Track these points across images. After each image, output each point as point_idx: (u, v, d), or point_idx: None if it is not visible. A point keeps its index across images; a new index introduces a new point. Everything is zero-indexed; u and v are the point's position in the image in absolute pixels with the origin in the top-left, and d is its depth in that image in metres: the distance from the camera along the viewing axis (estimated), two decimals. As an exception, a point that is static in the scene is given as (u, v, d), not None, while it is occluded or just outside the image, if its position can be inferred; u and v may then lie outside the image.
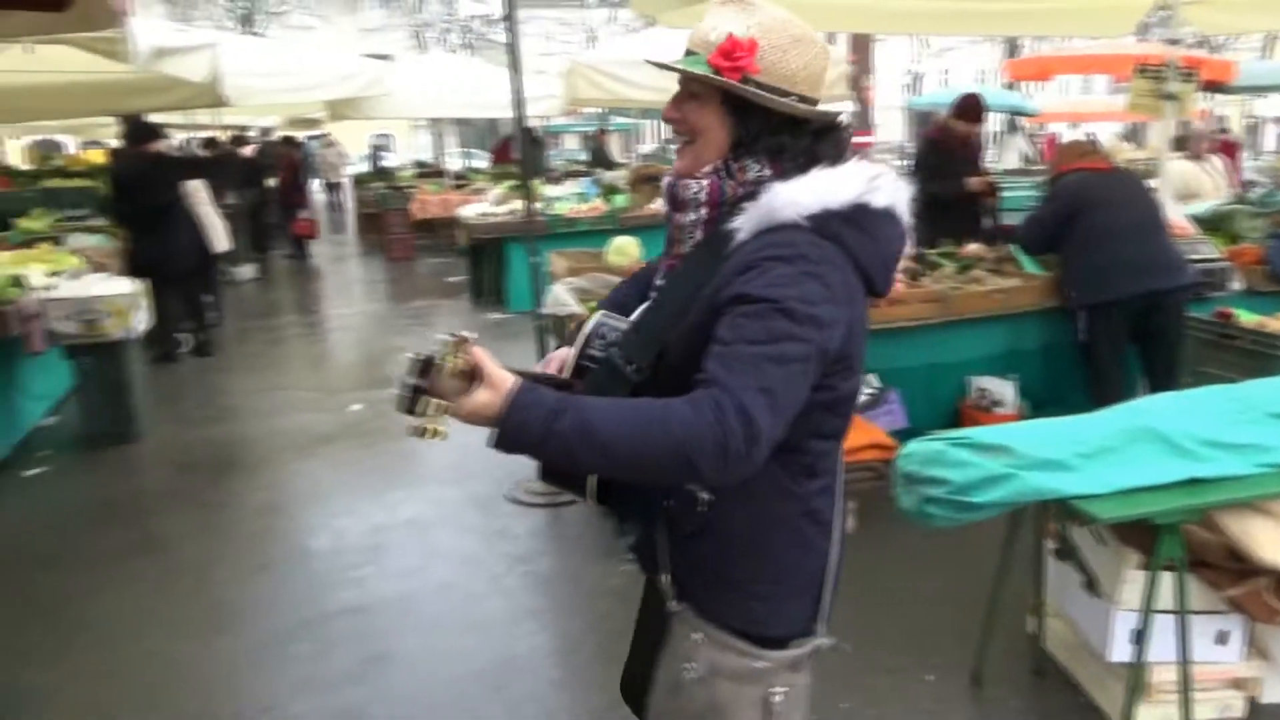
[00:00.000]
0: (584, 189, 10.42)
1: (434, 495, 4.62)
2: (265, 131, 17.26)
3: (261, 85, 8.71)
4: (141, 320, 5.58)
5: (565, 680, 3.10)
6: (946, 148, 5.80)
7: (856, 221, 1.40)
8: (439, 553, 4.01)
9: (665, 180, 1.56)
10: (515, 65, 4.35)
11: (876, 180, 1.42)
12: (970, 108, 5.74)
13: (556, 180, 12.49)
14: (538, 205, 9.32)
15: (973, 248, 5.28)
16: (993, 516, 2.44)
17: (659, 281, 1.56)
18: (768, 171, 1.44)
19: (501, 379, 1.28)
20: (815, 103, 1.45)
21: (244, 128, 15.88)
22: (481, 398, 1.27)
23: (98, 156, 14.30)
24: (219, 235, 8.00)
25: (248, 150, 10.54)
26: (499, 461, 5.00)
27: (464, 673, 3.13)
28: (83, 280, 5.65)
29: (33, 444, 5.52)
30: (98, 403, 5.51)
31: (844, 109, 5.62)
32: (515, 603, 3.62)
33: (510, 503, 4.52)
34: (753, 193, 1.43)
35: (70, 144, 22.60)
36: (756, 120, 1.43)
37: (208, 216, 7.83)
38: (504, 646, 3.30)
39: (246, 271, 11.58)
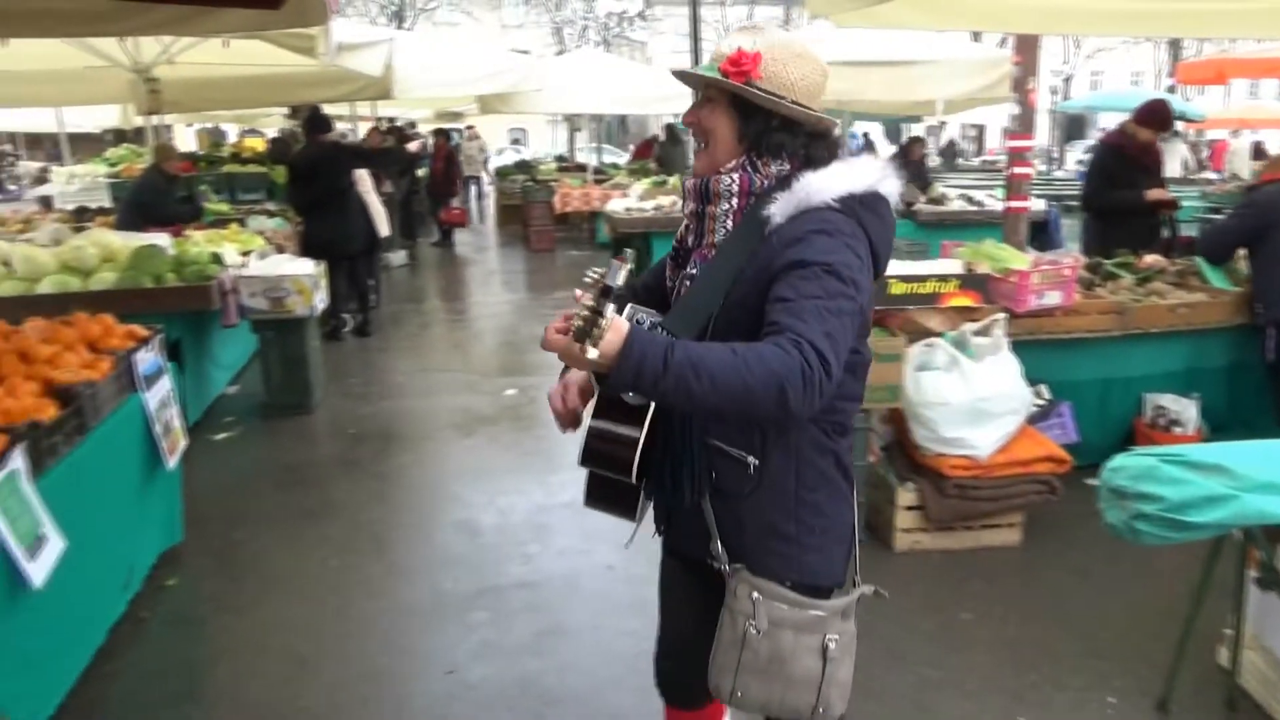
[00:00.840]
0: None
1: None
2: (411, 124, 17.95)
3: (423, 79, 9.12)
4: (321, 300, 5.93)
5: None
6: (1126, 155, 5.55)
7: (871, 205, 1.65)
8: (599, 535, 4.12)
9: (688, 181, 1.78)
10: (696, 58, 4.39)
11: (885, 171, 1.68)
12: (1157, 114, 5.47)
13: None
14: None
15: (1152, 259, 5.05)
16: (1205, 538, 2.36)
17: (692, 270, 1.75)
18: (787, 166, 1.67)
19: (621, 321, 1.44)
20: (812, 111, 1.66)
21: (392, 119, 16.58)
22: (611, 336, 1.40)
23: (258, 144, 15.18)
24: (383, 221, 8.42)
25: (414, 145, 11.00)
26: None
27: (634, 652, 3.21)
28: (270, 260, 6.05)
29: (219, 410, 5.95)
30: (278, 375, 5.89)
31: (1008, 109, 5.48)
32: (677, 590, 3.69)
33: (665, 493, 4.61)
34: (782, 183, 1.65)
35: (231, 132, 24.03)
36: (758, 121, 1.65)
37: (374, 204, 8.25)
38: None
39: (398, 257, 12.10)
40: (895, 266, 4.03)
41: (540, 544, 4.05)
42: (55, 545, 2.67)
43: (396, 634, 3.35)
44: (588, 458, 1.72)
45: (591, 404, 1.74)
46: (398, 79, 8.28)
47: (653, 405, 1.64)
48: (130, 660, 3.22)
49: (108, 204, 9.92)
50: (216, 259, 5.53)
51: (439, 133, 15.46)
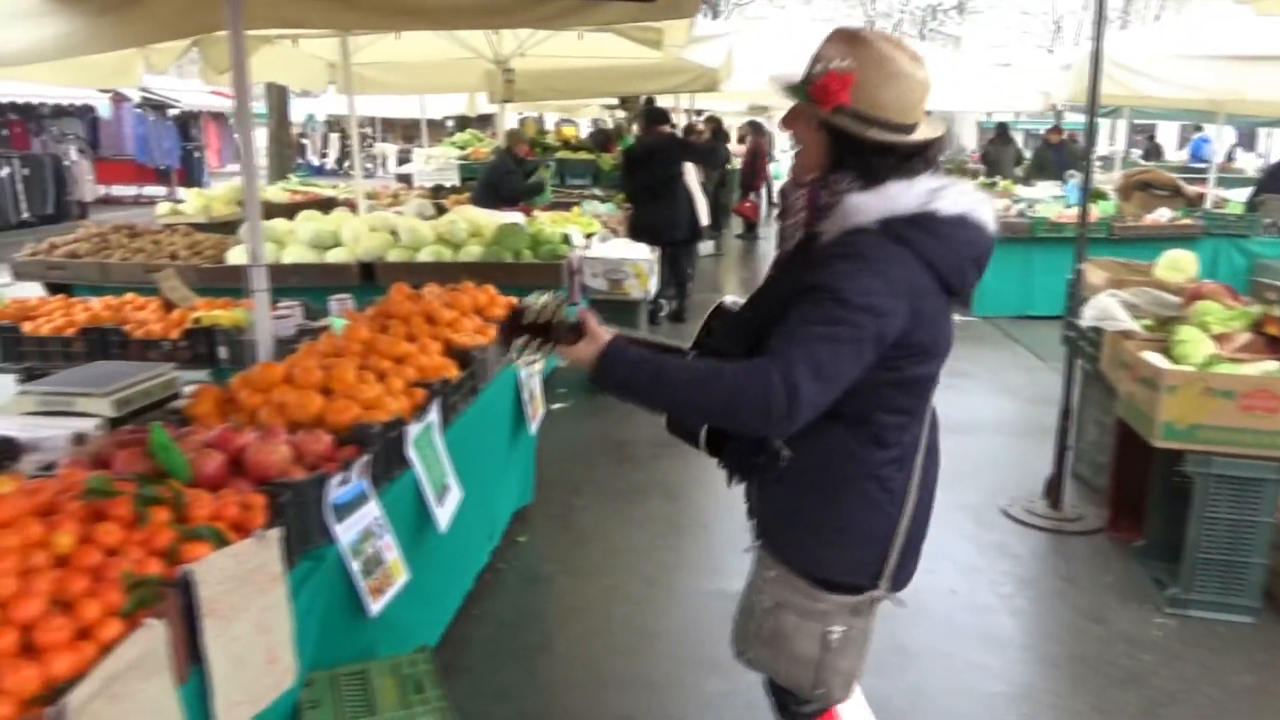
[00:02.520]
0: (1065, 191, 9.61)
1: (922, 495, 4.51)
2: (698, 113, 18.15)
3: (746, 72, 9.18)
4: (654, 285, 6.12)
5: (1105, 728, 2.84)
6: None
7: (923, 226, 1.62)
8: (940, 554, 3.88)
9: (782, 185, 1.89)
10: (1097, 63, 4.01)
11: (940, 191, 1.63)
12: None
13: (1023, 180, 11.70)
14: (1019, 206, 8.78)
15: None
16: None
17: (772, 273, 1.85)
18: (856, 184, 1.65)
19: (601, 334, 1.66)
20: (907, 128, 1.64)
21: (699, 111, 16.91)
22: (584, 347, 1.64)
23: (572, 132, 16.04)
24: (704, 211, 8.58)
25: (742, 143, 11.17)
26: (988, 470, 4.89)
27: (990, 691, 2.99)
28: (610, 243, 6.33)
29: (553, 381, 6.32)
30: (608, 353, 6.13)
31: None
32: (1029, 627, 3.41)
33: (1006, 518, 4.28)
34: (838, 201, 1.66)
35: (548, 120, 25.71)
36: (847, 141, 1.64)
37: (698, 194, 8.42)
38: (1022, 674, 3.12)
39: (706, 247, 12.32)
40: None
41: (874, 554, 3.89)
42: (455, 494, 2.91)
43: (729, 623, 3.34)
44: (672, 427, 1.91)
45: None
46: (734, 71, 8.39)
47: None
48: (490, 607, 3.47)
49: (458, 182, 10.92)
50: (566, 239, 5.86)
51: (753, 125, 15.56)
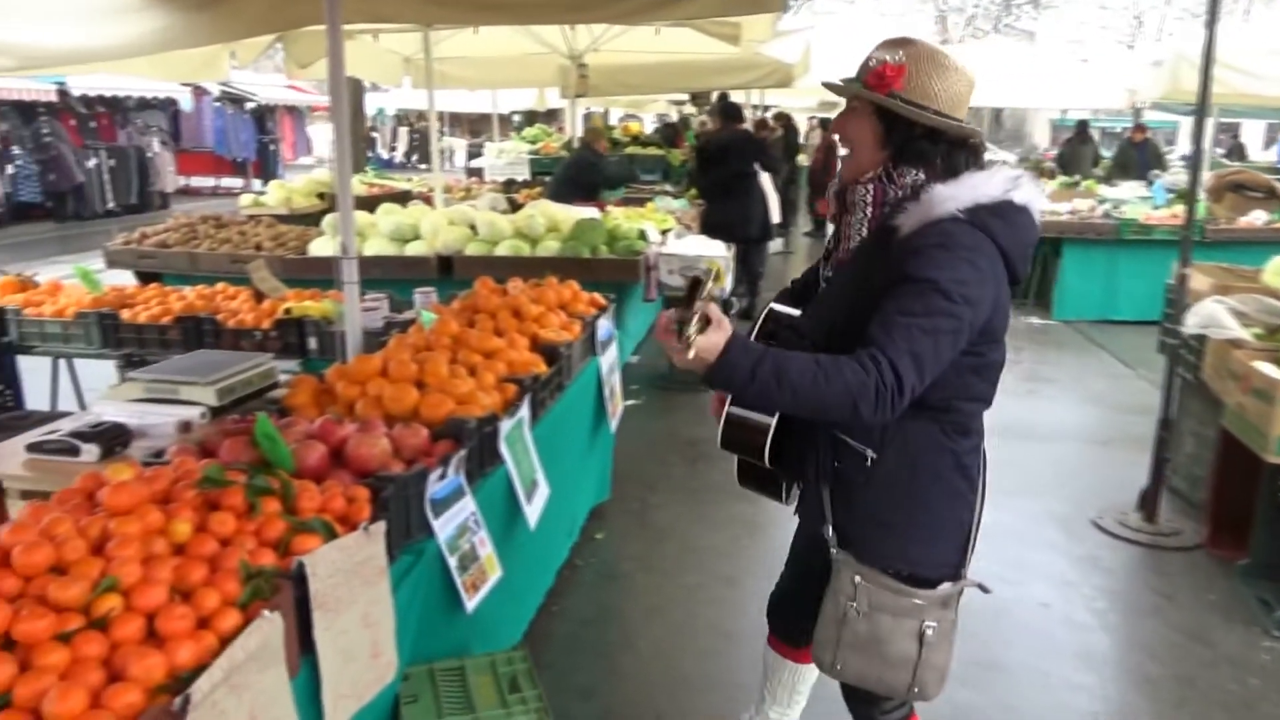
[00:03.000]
0: (1151, 191, 9.29)
1: (1010, 504, 4.37)
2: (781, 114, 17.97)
3: (834, 68, 9.03)
4: (730, 282, 6.06)
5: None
6: None
7: (1002, 214, 1.68)
8: (1029, 567, 3.78)
9: (832, 187, 1.87)
10: (1209, 56, 3.84)
11: (1018, 180, 1.71)
12: None
13: (1104, 180, 11.34)
14: (1104, 206, 8.51)
15: None
16: None
17: (828, 273, 1.89)
18: (922, 176, 1.72)
19: (727, 326, 1.61)
20: (957, 120, 1.72)
21: (767, 107, 16.73)
22: (714, 338, 1.58)
23: (636, 128, 15.98)
24: (776, 209, 8.47)
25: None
26: (1074, 479, 4.73)
27: (1082, 710, 2.89)
28: (686, 239, 6.29)
29: (625, 378, 6.29)
30: (681, 350, 6.09)
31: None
32: (1126, 645, 3.27)
33: (1097, 530, 4.14)
34: (912, 195, 1.71)
35: (613, 115, 25.70)
36: (901, 130, 1.72)
37: (771, 192, 8.31)
38: (1120, 693, 2.99)
39: (774, 244, 12.19)
40: None
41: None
42: (543, 491, 2.90)
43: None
44: (726, 442, 1.92)
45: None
46: (810, 67, 8.27)
47: None
48: (570, 604, 3.46)
49: (528, 177, 10.97)
50: (642, 235, 5.83)
51: (823, 123, 15.36)
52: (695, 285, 1.56)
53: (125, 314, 4.01)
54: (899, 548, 1.81)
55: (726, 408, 1.90)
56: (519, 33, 8.24)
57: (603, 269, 5.43)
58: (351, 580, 1.80)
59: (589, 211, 6.25)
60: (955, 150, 1.72)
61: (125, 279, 5.69)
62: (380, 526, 1.92)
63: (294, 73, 7.23)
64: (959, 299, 1.60)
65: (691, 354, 1.53)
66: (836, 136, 1.85)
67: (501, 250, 5.59)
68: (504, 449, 2.62)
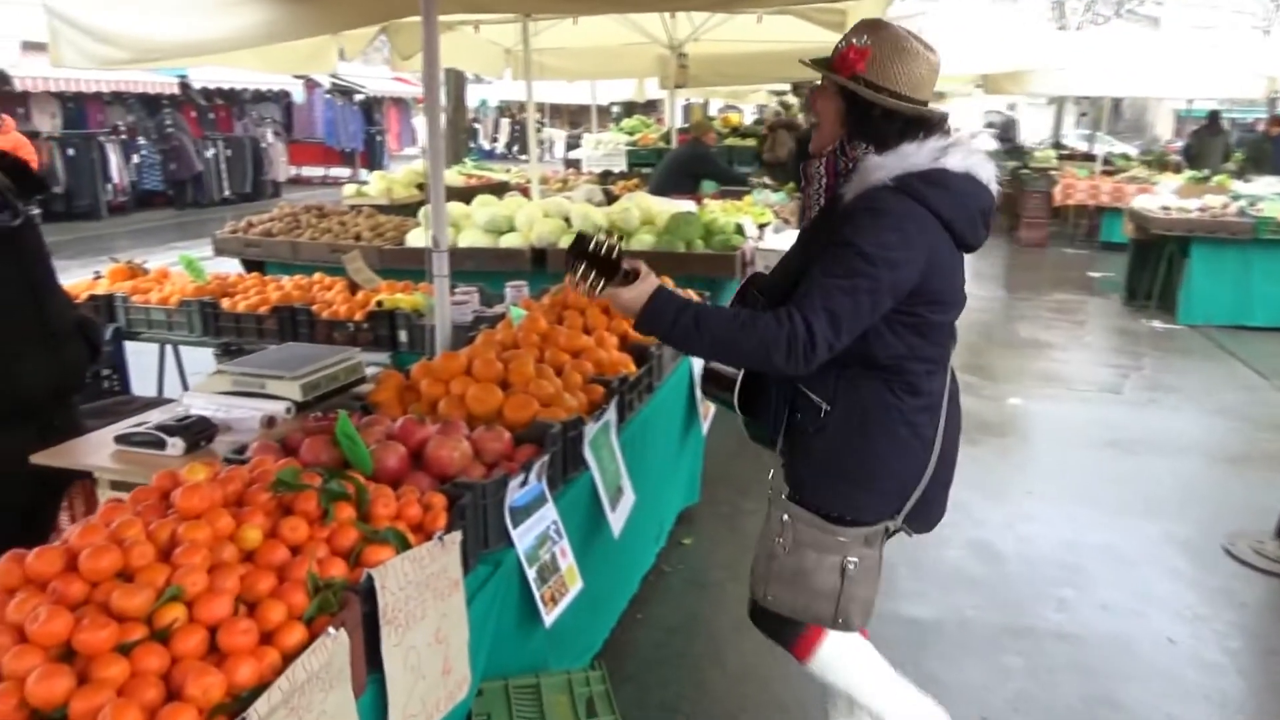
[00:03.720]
0: (1295, 188, 8.59)
1: (1126, 524, 4.06)
2: None
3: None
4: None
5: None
6: None
7: (937, 181, 1.80)
8: (1150, 596, 3.48)
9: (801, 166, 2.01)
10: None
11: (948, 149, 1.83)
12: None
13: (1236, 174, 10.60)
14: (1238, 204, 7.92)
15: None
16: None
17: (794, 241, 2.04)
18: (871, 149, 1.83)
19: (652, 280, 1.85)
20: (915, 102, 1.84)
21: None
22: (641, 287, 1.83)
23: (735, 119, 15.71)
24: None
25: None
26: (1200, 500, 4.37)
27: (1219, 761, 2.62)
28: (784, 234, 6.09)
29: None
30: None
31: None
32: (1264, 691, 2.97)
33: (1230, 558, 3.79)
34: (855, 167, 1.85)
35: (712, 106, 25.40)
36: (860, 108, 1.85)
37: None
38: (1260, 744, 2.71)
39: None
40: None
41: (1075, 589, 3.52)
42: (628, 498, 2.78)
43: (920, 653, 3.07)
44: (705, 392, 2.24)
45: None
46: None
47: None
48: (656, 613, 3.34)
49: (624, 168, 10.88)
50: (739, 230, 5.66)
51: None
52: (580, 239, 1.81)
53: (225, 303, 4.07)
54: (843, 493, 1.95)
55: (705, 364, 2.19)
56: (618, 23, 8.12)
57: (697, 264, 5.28)
58: (423, 593, 1.71)
59: (685, 205, 6.10)
60: (910, 128, 1.84)
61: (233, 267, 5.83)
62: (455, 537, 1.83)
63: (398, 64, 7.29)
64: (880, 262, 1.74)
65: (596, 295, 1.81)
66: (815, 109, 2.00)
67: (595, 243, 5.50)
68: (588, 454, 2.52)
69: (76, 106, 15.40)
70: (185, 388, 4.83)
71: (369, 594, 1.57)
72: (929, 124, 1.86)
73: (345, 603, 1.53)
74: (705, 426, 3.89)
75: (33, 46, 14.30)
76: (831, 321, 1.73)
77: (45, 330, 2.46)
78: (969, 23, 11.27)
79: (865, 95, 1.83)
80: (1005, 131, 22.30)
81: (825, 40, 7.28)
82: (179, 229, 14.19)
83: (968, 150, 1.85)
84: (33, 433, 2.45)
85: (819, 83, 1.94)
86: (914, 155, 1.81)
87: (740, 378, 2.06)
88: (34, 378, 2.43)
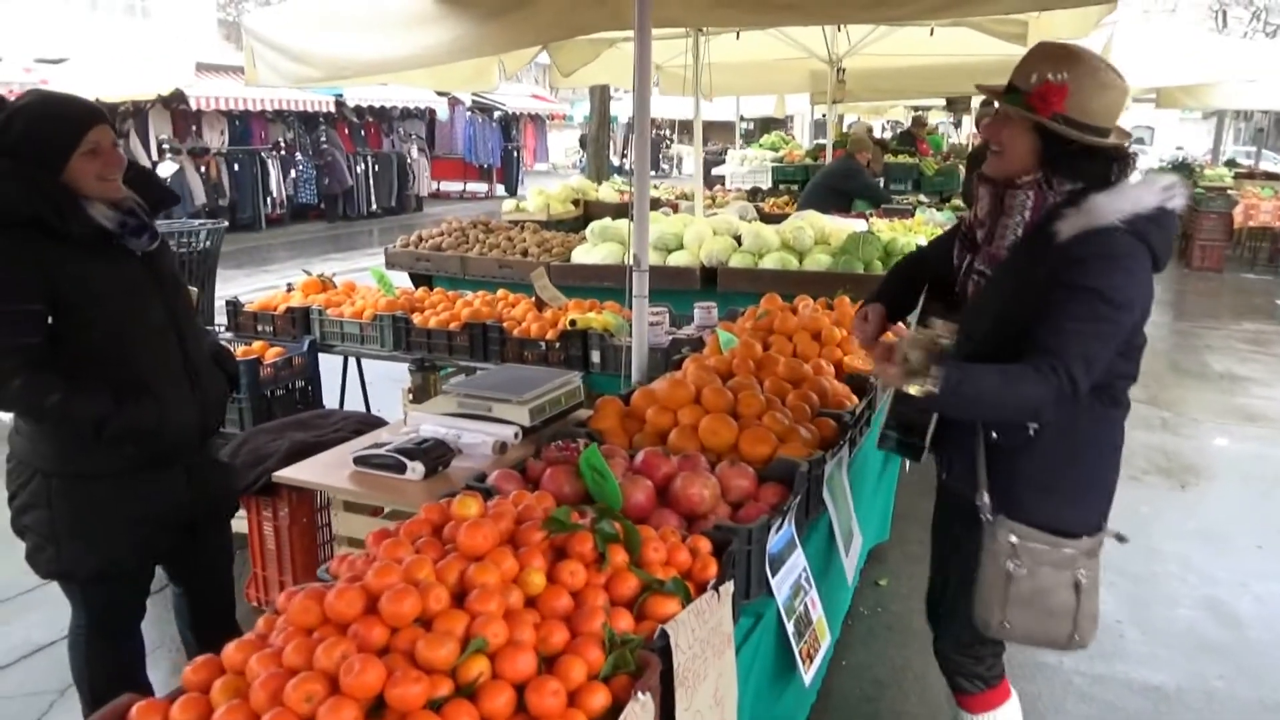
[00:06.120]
0: None
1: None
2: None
3: (1123, 65, 8.15)
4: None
5: None
6: None
7: (1158, 221, 1.82)
8: None
9: (982, 186, 2.00)
10: None
11: (1171, 189, 1.82)
12: None
13: None
14: None
15: None
16: None
17: (981, 267, 2.00)
18: (1080, 185, 1.85)
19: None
20: (1108, 133, 1.84)
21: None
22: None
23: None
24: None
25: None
26: None
27: None
28: (964, 256, 5.78)
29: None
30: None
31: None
32: None
33: None
34: (1070, 202, 1.83)
35: (845, 121, 24.89)
36: (1057, 145, 1.83)
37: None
38: None
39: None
40: None
41: (1339, 664, 3.13)
42: (857, 540, 2.61)
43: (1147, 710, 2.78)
44: (893, 419, 2.22)
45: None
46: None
47: None
48: (861, 660, 3.16)
49: (769, 185, 10.68)
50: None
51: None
52: (938, 348, 1.84)
53: (416, 318, 4.09)
54: (1055, 509, 1.93)
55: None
56: (775, 37, 7.97)
57: (876, 286, 5.04)
58: (705, 650, 1.58)
59: (857, 224, 5.87)
60: (1110, 163, 1.83)
61: (400, 279, 5.93)
62: (729, 587, 1.69)
63: (557, 80, 7.33)
64: (1121, 305, 1.76)
65: (916, 392, 1.79)
66: (988, 136, 1.92)
67: (768, 263, 5.33)
68: (825, 494, 2.35)
69: (242, 124, 16.25)
70: (366, 402, 4.90)
71: (664, 652, 1.45)
72: (1124, 159, 1.85)
73: (645, 663, 1.41)
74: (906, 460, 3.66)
75: (206, 68, 15.21)
76: (1088, 368, 1.77)
77: (188, 366, 2.22)
78: (1145, 34, 10.59)
79: (1066, 135, 1.80)
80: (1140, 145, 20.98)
81: (1002, 53, 6.98)
82: (332, 241, 14.77)
83: (1182, 189, 1.84)
84: (180, 475, 2.24)
85: (1001, 111, 1.88)
86: (1144, 198, 1.79)
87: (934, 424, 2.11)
88: (180, 418, 2.16)
